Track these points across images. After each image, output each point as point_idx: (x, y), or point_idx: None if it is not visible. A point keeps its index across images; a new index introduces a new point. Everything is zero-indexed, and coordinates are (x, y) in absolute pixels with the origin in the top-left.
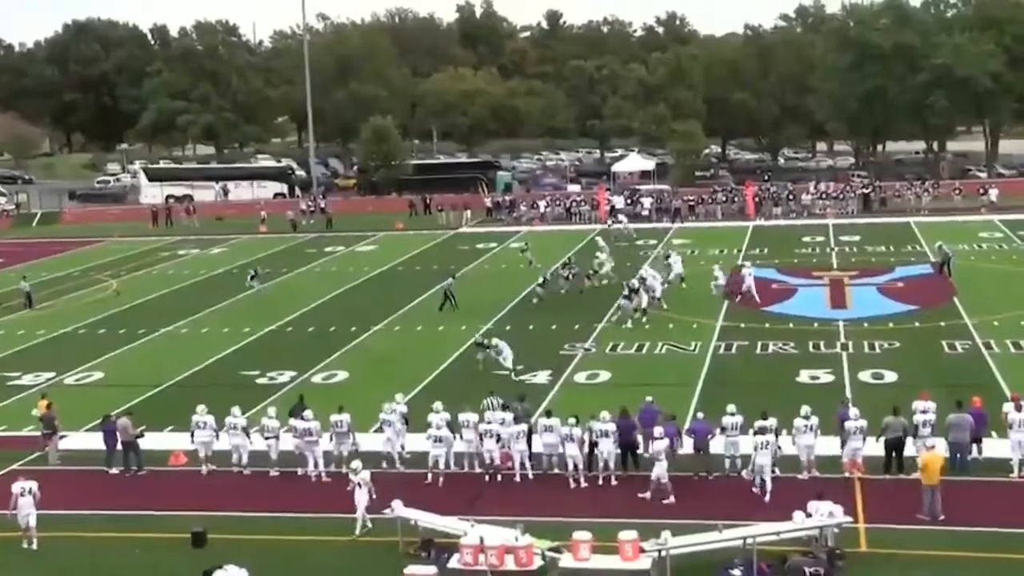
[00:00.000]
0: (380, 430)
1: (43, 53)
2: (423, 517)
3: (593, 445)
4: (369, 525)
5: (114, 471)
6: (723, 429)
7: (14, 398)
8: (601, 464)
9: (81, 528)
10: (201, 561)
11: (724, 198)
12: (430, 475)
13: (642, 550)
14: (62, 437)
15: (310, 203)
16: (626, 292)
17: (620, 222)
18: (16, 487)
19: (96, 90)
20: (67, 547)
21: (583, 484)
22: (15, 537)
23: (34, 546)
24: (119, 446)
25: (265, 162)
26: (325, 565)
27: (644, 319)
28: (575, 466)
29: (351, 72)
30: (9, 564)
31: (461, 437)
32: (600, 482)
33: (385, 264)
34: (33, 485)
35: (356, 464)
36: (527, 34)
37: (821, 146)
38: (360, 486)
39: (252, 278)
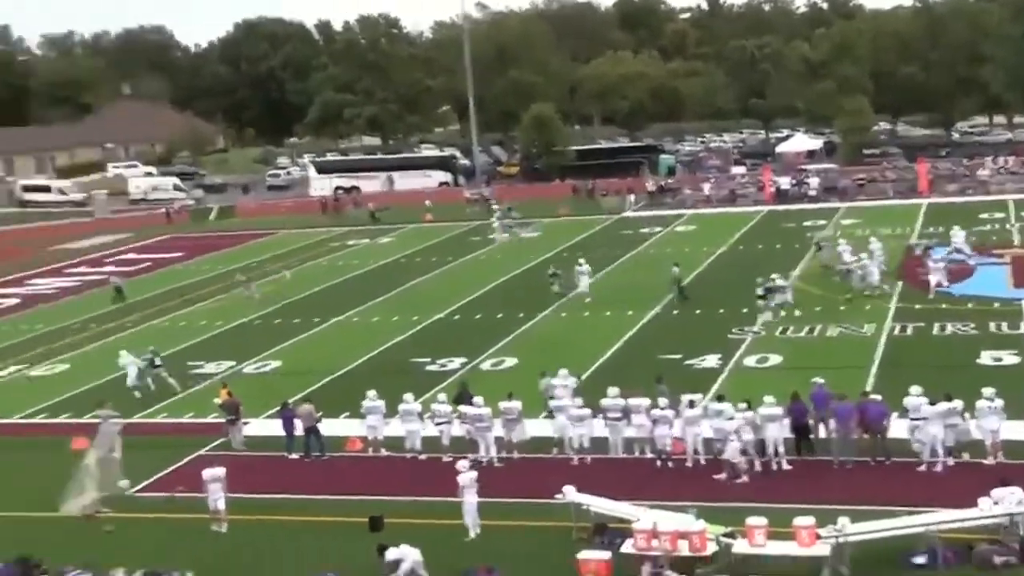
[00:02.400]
0: (551, 416)
1: (216, 53)
2: (595, 502)
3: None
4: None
5: (293, 456)
6: (905, 411)
7: (199, 386)
8: (771, 449)
9: (265, 512)
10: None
11: (895, 176)
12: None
13: (819, 536)
14: (245, 424)
15: (474, 192)
16: (760, 292)
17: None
18: (207, 473)
19: (265, 86)
20: (252, 530)
21: (757, 468)
22: (206, 520)
23: (223, 528)
24: (300, 432)
25: (429, 152)
26: (499, 549)
27: (782, 313)
28: (745, 451)
29: (511, 60)
30: (200, 545)
31: (631, 422)
32: (774, 467)
33: (549, 251)
34: (221, 471)
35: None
36: (687, 15)
37: (999, 119)
38: None
39: (245, 283)
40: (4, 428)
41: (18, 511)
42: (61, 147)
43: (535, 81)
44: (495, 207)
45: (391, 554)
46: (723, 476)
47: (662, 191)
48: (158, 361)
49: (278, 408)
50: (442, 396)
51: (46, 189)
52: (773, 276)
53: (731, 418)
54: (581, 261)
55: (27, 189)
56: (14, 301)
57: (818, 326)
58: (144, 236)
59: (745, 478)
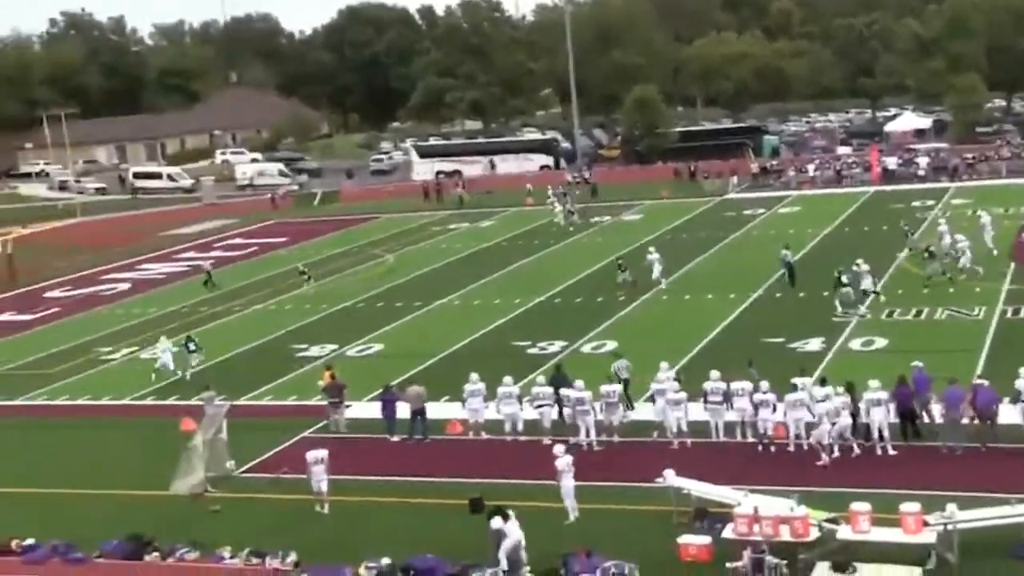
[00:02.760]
0: (652, 400)
1: (320, 40)
2: (696, 486)
3: (854, 415)
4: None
5: (395, 439)
6: (1018, 396)
7: (302, 369)
8: (876, 434)
9: (366, 493)
10: (481, 526)
11: (1009, 154)
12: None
13: (926, 523)
14: (347, 407)
15: (576, 174)
16: (845, 280)
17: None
18: (310, 455)
19: (369, 72)
20: (354, 511)
21: (856, 452)
22: (309, 500)
23: (326, 510)
24: (407, 414)
25: (531, 135)
26: (598, 533)
27: (880, 298)
28: (840, 435)
29: (613, 41)
30: (303, 526)
31: (732, 407)
32: (878, 452)
33: (651, 233)
34: (324, 453)
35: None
36: None
37: None
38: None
39: (307, 280)
40: (116, 409)
41: (130, 489)
42: (171, 134)
43: (638, 63)
44: (549, 191)
45: (495, 523)
46: (826, 461)
47: (766, 172)
48: (192, 347)
49: (380, 391)
50: (541, 379)
51: (157, 176)
52: (858, 261)
53: (820, 400)
54: (651, 249)
55: (138, 176)
56: (126, 286)
57: (925, 309)
58: (250, 221)
59: (825, 459)
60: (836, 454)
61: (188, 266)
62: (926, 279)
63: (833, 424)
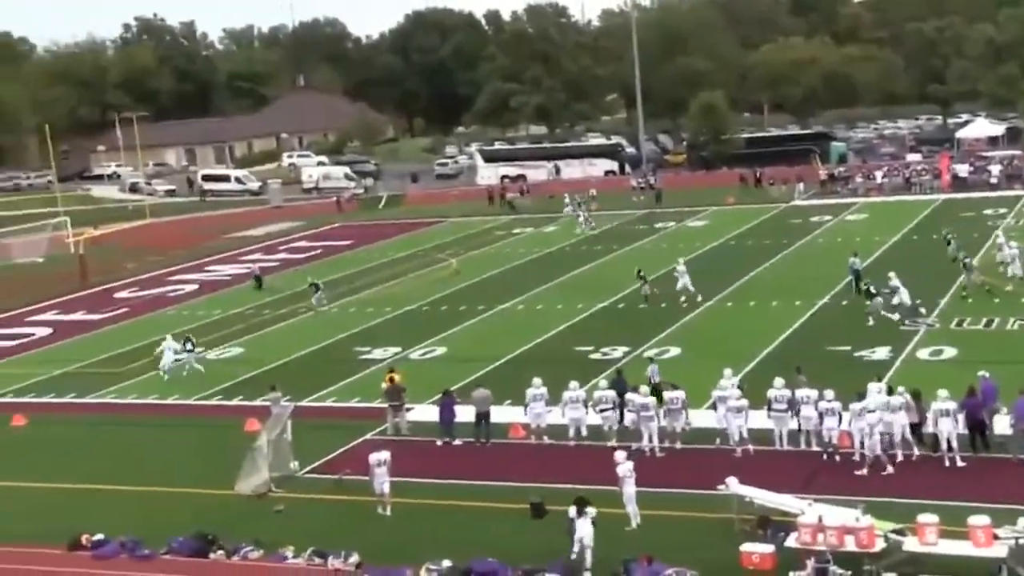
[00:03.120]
0: (713, 407)
1: (387, 44)
2: (759, 495)
3: (916, 426)
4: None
5: (457, 443)
6: None
7: (366, 371)
8: (944, 445)
9: (429, 496)
10: (543, 531)
11: None
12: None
13: (996, 537)
14: (409, 409)
15: (641, 180)
16: (874, 290)
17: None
18: (373, 457)
19: (434, 76)
20: (415, 514)
21: (915, 454)
22: (371, 502)
23: (388, 512)
24: (471, 417)
25: (595, 140)
26: (660, 540)
27: (915, 317)
28: (903, 440)
29: (679, 47)
30: (365, 527)
31: (797, 414)
32: (946, 463)
33: (716, 239)
34: (387, 455)
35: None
36: None
37: None
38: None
39: (317, 291)
40: (182, 408)
41: (195, 488)
42: (239, 138)
43: (704, 68)
44: (566, 199)
45: (571, 511)
46: (891, 470)
47: (833, 179)
48: (189, 347)
49: (440, 395)
50: (603, 383)
51: (225, 179)
52: (890, 275)
53: (871, 411)
54: (680, 260)
55: (207, 179)
56: (193, 287)
57: (996, 319)
58: (316, 224)
59: (864, 471)
60: (900, 458)
61: (252, 268)
62: (986, 290)
63: (886, 435)
